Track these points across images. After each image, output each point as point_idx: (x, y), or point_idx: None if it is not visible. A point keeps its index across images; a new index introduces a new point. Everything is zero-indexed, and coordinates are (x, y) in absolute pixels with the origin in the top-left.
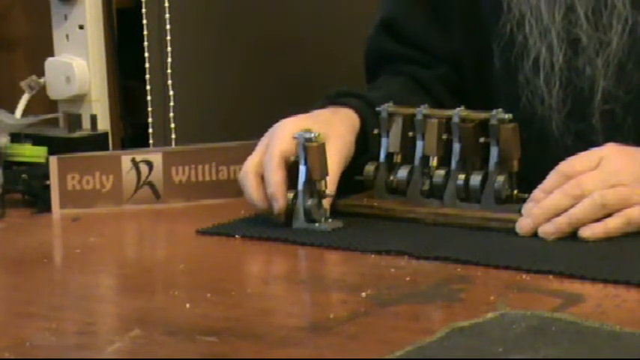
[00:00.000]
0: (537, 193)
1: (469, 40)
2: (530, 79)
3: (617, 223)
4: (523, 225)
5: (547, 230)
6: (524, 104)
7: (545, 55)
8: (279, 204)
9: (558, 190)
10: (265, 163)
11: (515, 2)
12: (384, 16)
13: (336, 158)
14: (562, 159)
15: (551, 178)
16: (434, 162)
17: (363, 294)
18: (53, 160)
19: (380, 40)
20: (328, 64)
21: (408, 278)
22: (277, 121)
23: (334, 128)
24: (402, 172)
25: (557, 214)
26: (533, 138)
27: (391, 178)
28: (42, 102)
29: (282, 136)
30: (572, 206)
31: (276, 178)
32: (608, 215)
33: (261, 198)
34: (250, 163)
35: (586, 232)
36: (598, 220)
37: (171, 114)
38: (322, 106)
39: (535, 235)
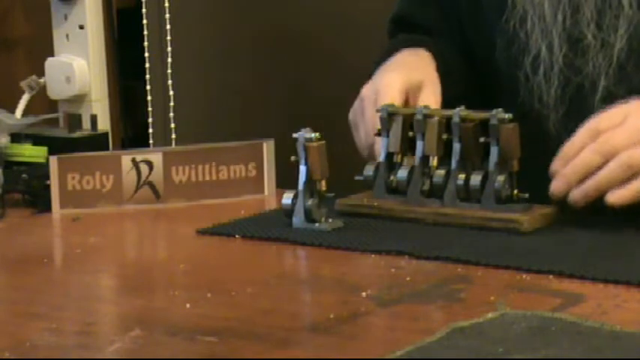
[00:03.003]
0: (566, 149)
1: (474, 33)
2: (530, 77)
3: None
4: (555, 187)
5: (576, 198)
6: (522, 100)
7: (545, 53)
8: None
9: (587, 148)
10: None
11: None
12: (397, 12)
13: (435, 102)
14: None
15: (580, 134)
16: (434, 162)
17: (363, 294)
18: (53, 160)
19: (394, 32)
20: (329, 63)
21: (408, 278)
22: (276, 121)
23: (428, 74)
24: (402, 172)
25: (588, 173)
26: (530, 134)
27: (391, 178)
28: (42, 102)
29: (390, 95)
30: (601, 164)
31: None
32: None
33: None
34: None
35: (612, 197)
36: (625, 182)
37: (171, 114)
38: (394, 50)
39: (535, 235)
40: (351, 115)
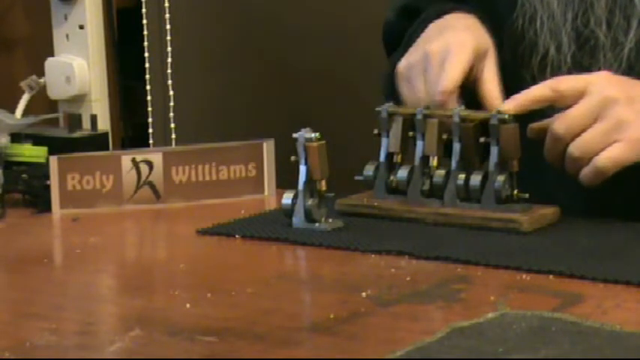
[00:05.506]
0: (520, 95)
1: None
2: (537, 76)
3: (589, 175)
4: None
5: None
6: None
7: (554, 53)
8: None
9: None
10: (450, 56)
11: None
12: (407, 4)
13: (497, 74)
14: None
15: (539, 87)
16: (434, 162)
17: (363, 294)
18: (53, 160)
19: (401, 24)
20: (330, 63)
21: (408, 278)
22: (276, 121)
23: (488, 40)
24: (402, 172)
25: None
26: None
27: (391, 178)
28: (42, 102)
29: (462, 54)
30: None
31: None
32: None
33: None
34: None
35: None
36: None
37: (171, 114)
38: (440, 13)
39: (535, 235)
40: (404, 68)
